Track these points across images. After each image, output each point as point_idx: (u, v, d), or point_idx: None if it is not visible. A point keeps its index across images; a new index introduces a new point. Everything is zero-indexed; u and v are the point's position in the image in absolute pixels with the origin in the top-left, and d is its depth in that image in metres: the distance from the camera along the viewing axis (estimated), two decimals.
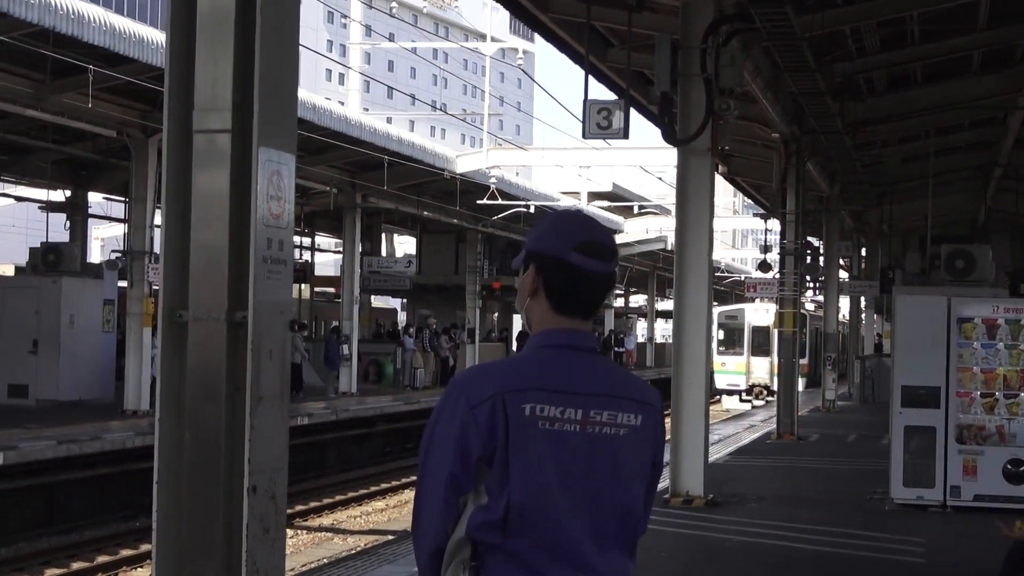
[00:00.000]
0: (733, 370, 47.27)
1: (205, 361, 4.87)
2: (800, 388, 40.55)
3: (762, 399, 45.94)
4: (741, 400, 46.32)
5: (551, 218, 3.30)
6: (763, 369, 46.70)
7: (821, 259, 33.64)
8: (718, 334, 45.76)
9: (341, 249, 39.03)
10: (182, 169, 5.01)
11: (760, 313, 46.55)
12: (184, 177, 5.00)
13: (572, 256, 3.16)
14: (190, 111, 5.00)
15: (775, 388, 42.15)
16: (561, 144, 67.58)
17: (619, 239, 62.57)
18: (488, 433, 3.05)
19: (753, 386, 47.45)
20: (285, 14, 5.07)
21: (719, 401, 46.29)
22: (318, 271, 47.88)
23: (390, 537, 18.90)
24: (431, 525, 3.14)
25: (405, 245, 55.28)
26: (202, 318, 4.88)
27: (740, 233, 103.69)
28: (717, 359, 43.80)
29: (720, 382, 46.33)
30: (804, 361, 41.55)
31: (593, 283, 3.20)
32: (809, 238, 31.16)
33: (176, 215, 5.01)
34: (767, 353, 44.90)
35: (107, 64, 21.46)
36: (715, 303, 53.04)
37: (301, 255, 42.37)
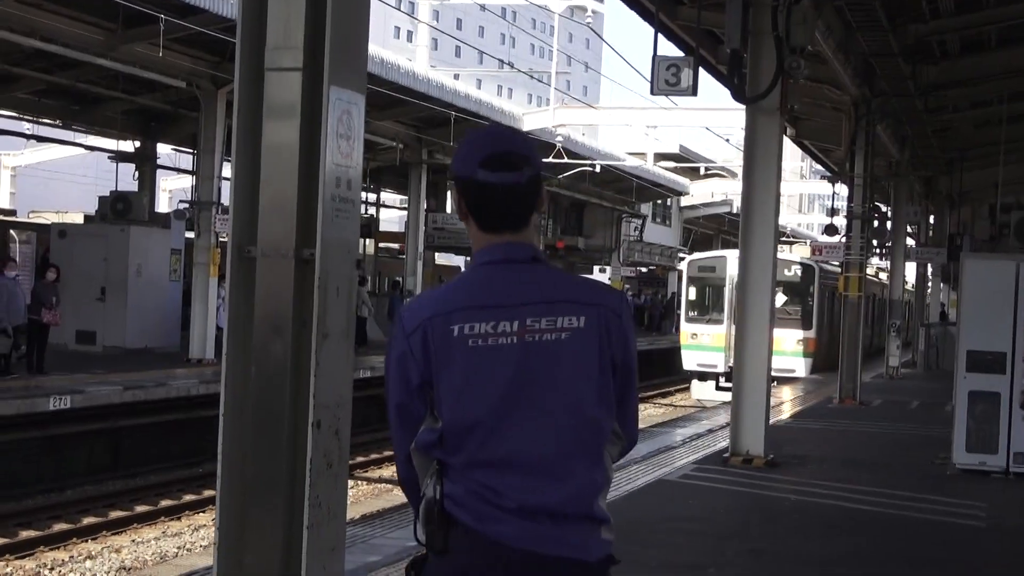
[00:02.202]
0: (708, 345, 33.01)
1: (272, 297, 4.91)
2: (803, 373, 33.55)
3: None
4: (718, 388, 32.70)
5: (462, 140, 3.29)
6: None
7: (888, 224, 33.31)
8: (688, 292, 34.55)
9: (406, 205, 39.12)
10: (253, 108, 5.04)
11: None
12: (255, 116, 5.02)
13: (479, 173, 3.13)
14: (262, 50, 5.02)
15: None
16: (629, 104, 67.27)
17: (685, 201, 62.33)
18: (423, 359, 3.10)
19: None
20: None
21: (687, 389, 36.15)
22: (383, 227, 48.03)
23: None
24: (396, 453, 3.25)
25: None
26: (270, 254, 4.91)
27: (807, 198, 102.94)
28: (686, 328, 34.01)
29: (689, 361, 33.84)
30: (810, 335, 33.95)
31: (506, 195, 3.15)
32: (877, 203, 30.83)
33: (246, 153, 5.03)
34: None
35: (178, 15, 21.62)
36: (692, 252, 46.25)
37: (366, 210, 42.49)
